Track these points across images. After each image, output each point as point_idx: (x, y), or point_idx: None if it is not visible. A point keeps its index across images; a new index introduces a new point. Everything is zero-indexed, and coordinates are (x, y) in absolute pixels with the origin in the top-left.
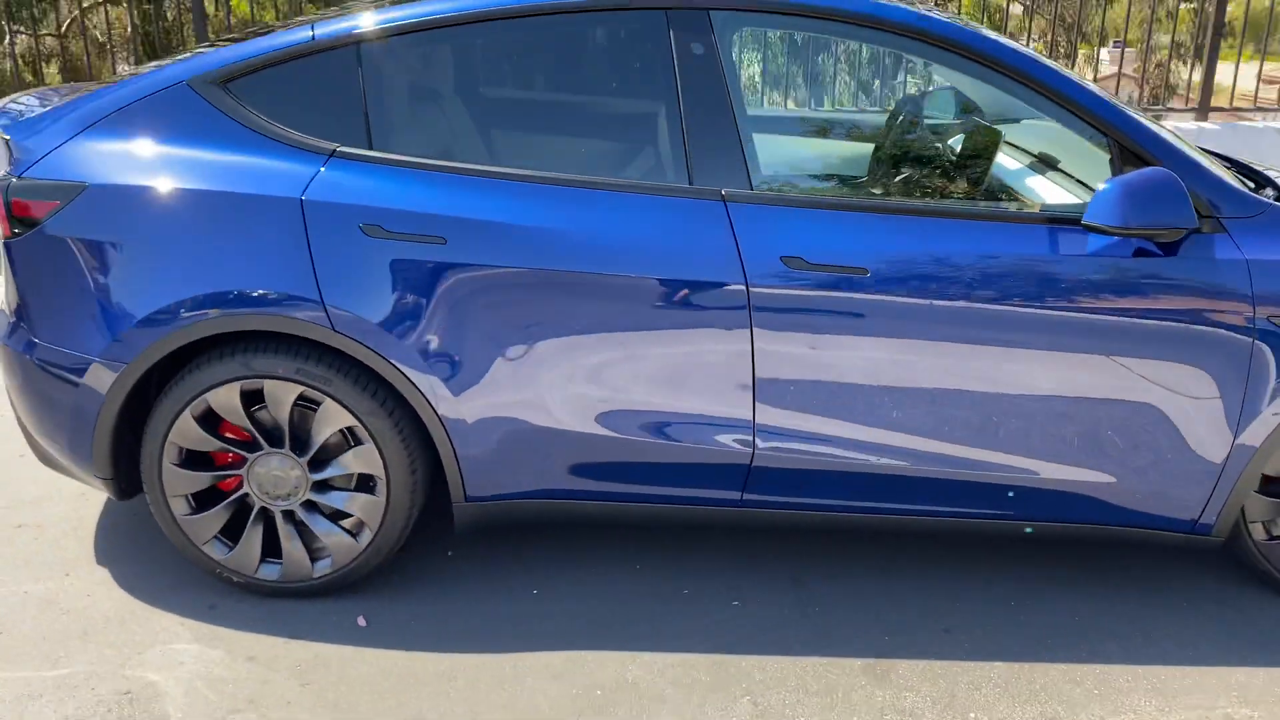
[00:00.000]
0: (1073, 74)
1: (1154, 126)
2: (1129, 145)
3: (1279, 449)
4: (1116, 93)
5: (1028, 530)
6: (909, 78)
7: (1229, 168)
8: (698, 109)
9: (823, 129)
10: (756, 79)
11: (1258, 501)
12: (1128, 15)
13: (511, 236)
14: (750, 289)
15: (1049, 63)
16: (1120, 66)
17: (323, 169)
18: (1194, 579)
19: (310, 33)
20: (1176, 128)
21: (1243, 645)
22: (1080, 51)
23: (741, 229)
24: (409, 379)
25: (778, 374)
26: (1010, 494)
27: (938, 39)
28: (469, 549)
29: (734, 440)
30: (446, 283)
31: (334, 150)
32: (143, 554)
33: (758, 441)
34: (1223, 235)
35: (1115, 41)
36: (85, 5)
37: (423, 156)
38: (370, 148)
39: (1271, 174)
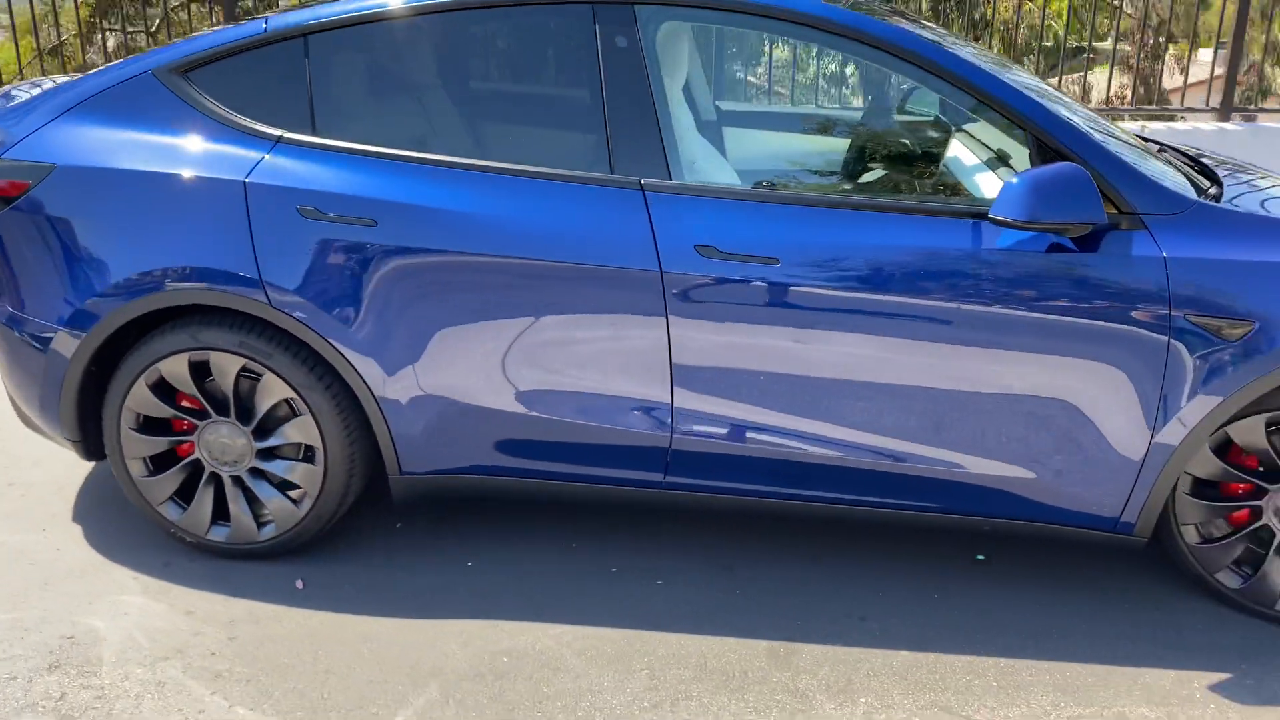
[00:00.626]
0: (994, 67)
1: (1076, 120)
2: (1045, 139)
3: (1201, 450)
4: (1208, 97)
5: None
6: (840, 71)
7: (1184, 163)
8: (620, 100)
9: (753, 122)
10: (697, 73)
11: (1189, 504)
12: (1221, 14)
13: (439, 221)
14: (665, 276)
15: (968, 56)
16: (1213, 68)
17: (268, 154)
18: (1128, 579)
19: (264, 25)
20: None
21: (1161, 647)
22: (1171, 52)
23: (658, 218)
24: (343, 355)
25: (694, 360)
26: (931, 486)
27: (851, 32)
28: (417, 521)
29: (653, 423)
30: (377, 264)
31: (280, 136)
32: (116, 514)
33: (676, 425)
34: (1142, 232)
35: (1221, 43)
36: (174, 4)
37: (361, 143)
38: (314, 134)
39: (1234, 174)
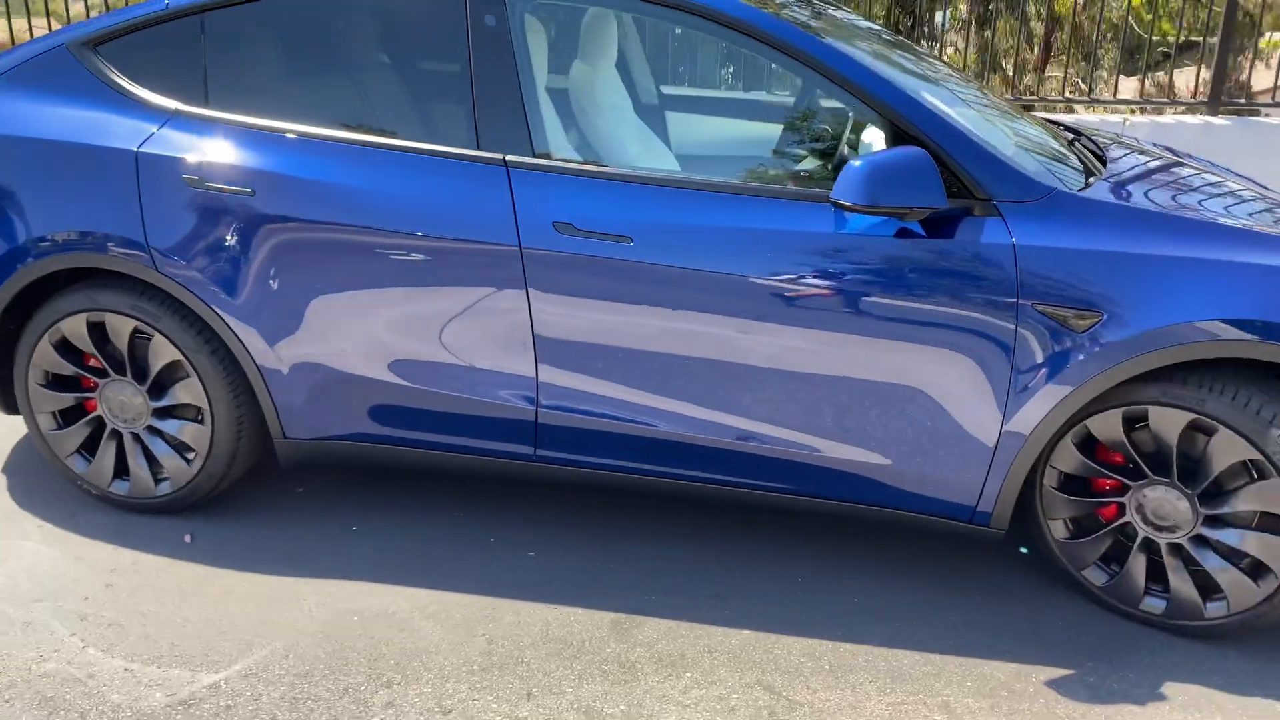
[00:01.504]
0: (853, 50)
1: (934, 104)
2: (898, 122)
3: (1064, 443)
4: (1195, 89)
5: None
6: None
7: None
8: (487, 78)
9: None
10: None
11: (1056, 498)
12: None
13: (313, 192)
14: (524, 252)
15: (828, 39)
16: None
17: (162, 126)
18: (1006, 575)
19: (165, 2)
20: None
21: (1013, 641)
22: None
23: (520, 194)
24: (224, 321)
25: (555, 336)
26: (786, 468)
27: (707, 13)
28: (319, 486)
29: (520, 397)
30: (254, 233)
31: (176, 110)
32: (39, 468)
33: (541, 399)
34: (995, 219)
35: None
36: None
37: (249, 116)
38: (206, 107)
39: (1142, 164)
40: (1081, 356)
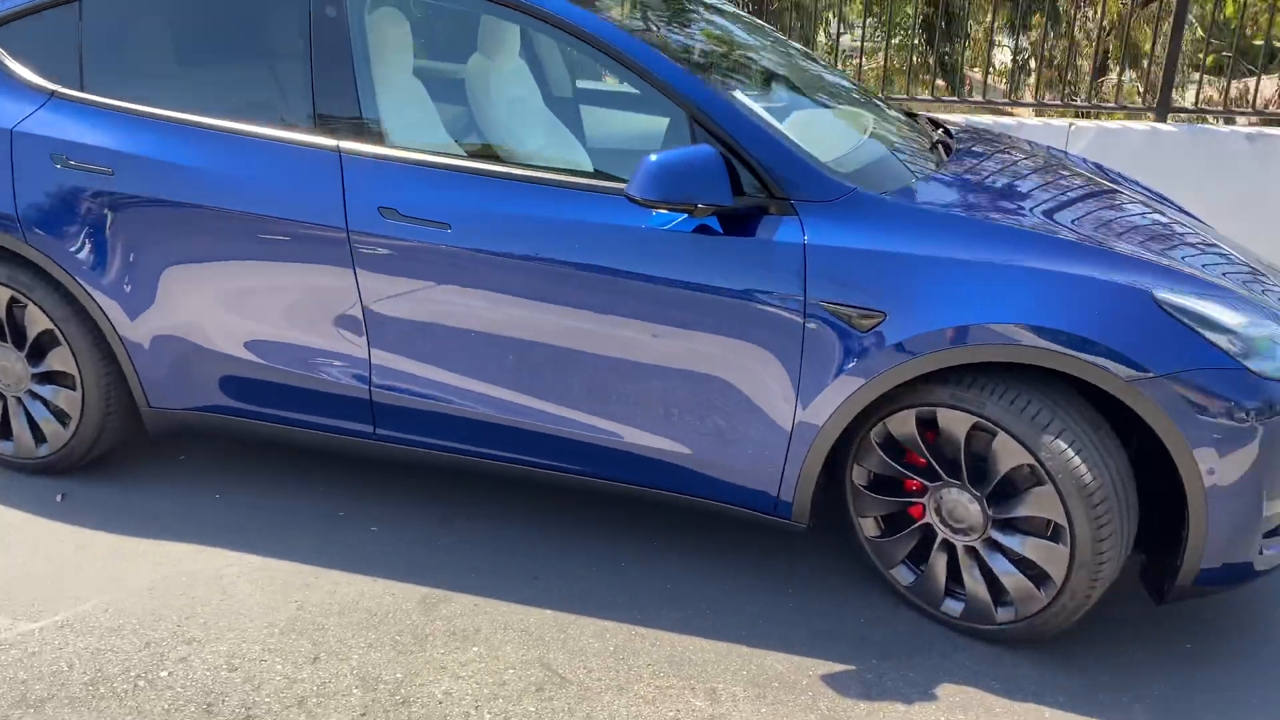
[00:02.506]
0: (656, 47)
1: (737, 103)
2: (701, 120)
3: (847, 434)
4: (1144, 94)
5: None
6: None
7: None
8: (326, 67)
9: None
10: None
11: (864, 497)
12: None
13: (165, 172)
14: (351, 236)
15: (633, 35)
16: None
17: (39, 107)
18: (816, 567)
19: None
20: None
21: (807, 634)
22: None
23: (349, 179)
24: (88, 293)
25: (382, 317)
26: (594, 452)
27: (532, 10)
28: (200, 456)
29: (354, 376)
30: (114, 210)
31: (54, 91)
32: None
33: (374, 379)
34: (791, 218)
35: None
36: None
37: (117, 100)
38: (81, 90)
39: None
40: (866, 355)
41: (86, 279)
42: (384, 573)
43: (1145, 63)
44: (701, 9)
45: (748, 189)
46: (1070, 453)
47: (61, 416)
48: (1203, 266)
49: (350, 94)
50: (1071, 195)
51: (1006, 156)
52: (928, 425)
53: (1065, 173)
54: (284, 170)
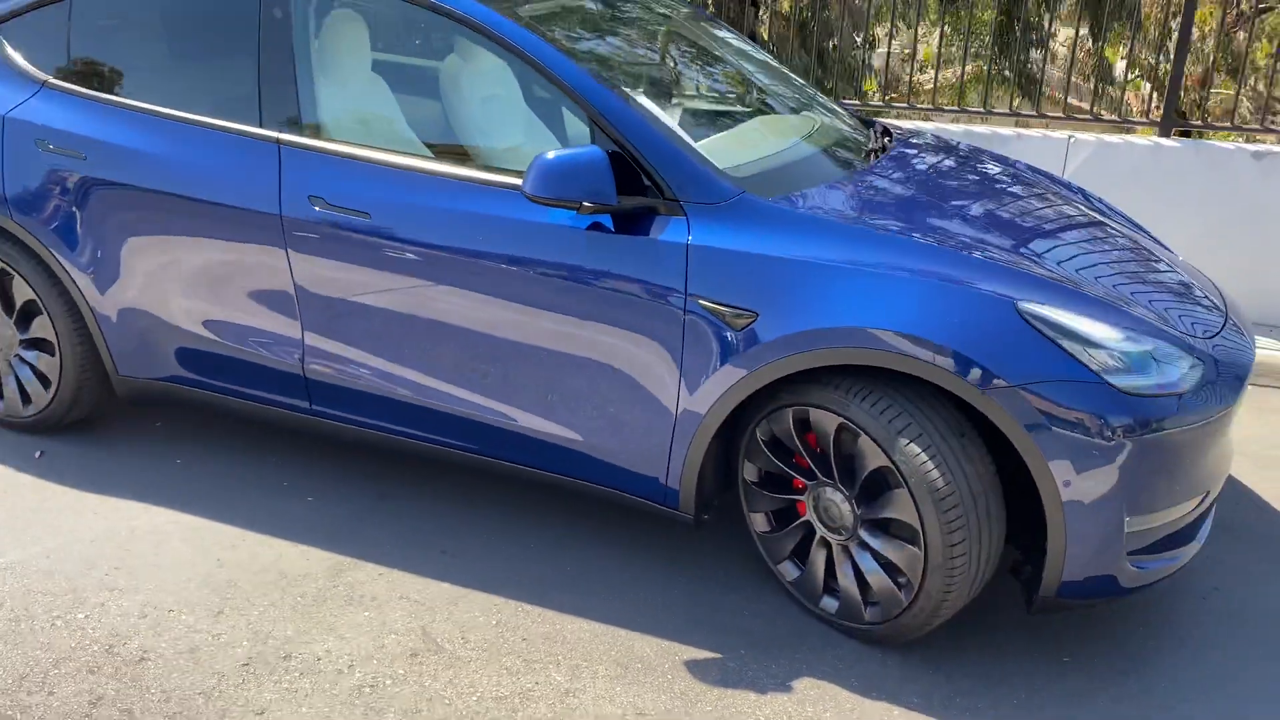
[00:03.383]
0: (566, 50)
1: (636, 108)
2: (599, 123)
3: (753, 439)
4: (1148, 108)
5: None
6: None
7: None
8: (270, 65)
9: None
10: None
11: (754, 492)
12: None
13: (129, 158)
14: (284, 220)
15: (543, 39)
16: None
17: (31, 96)
18: (719, 559)
19: None
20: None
21: (685, 621)
22: None
23: (285, 169)
24: (63, 266)
25: (311, 298)
26: (498, 435)
27: (440, 10)
28: (175, 424)
29: (290, 353)
30: (86, 192)
31: (45, 81)
32: None
33: (306, 357)
34: (680, 219)
35: None
36: None
37: (91, 90)
38: (67, 81)
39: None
40: (740, 351)
41: (62, 254)
42: (306, 540)
43: (1246, 74)
44: (655, 13)
45: (642, 190)
46: (924, 457)
47: (44, 380)
48: (1115, 283)
49: (291, 91)
50: (981, 207)
51: (934, 165)
52: (805, 425)
53: (997, 185)
54: (231, 159)
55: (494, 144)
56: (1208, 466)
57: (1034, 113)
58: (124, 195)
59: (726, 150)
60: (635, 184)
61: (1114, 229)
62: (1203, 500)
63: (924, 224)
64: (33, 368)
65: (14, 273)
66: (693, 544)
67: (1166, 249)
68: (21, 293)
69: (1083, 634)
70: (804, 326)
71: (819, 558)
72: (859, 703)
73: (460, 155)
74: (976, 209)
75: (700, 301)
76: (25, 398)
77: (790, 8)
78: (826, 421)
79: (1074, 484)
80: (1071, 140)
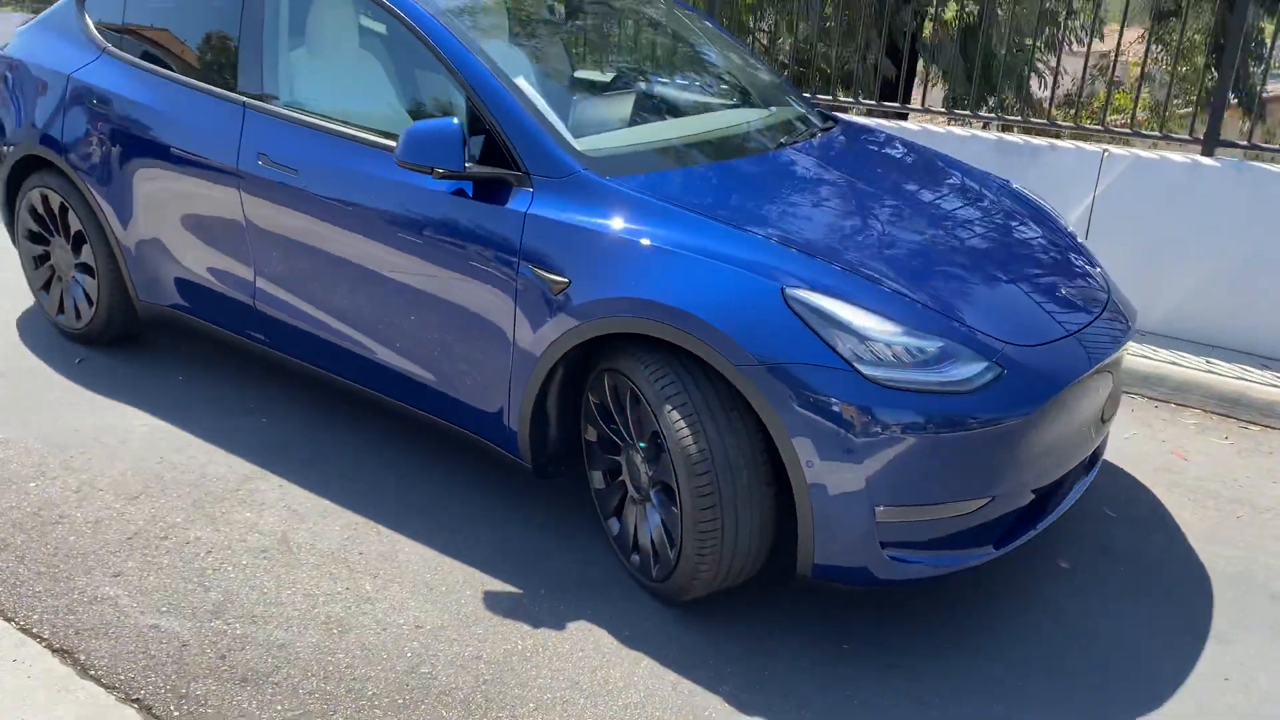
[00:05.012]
0: (456, 32)
1: (506, 87)
2: (471, 97)
3: (586, 400)
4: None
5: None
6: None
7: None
8: (247, 39)
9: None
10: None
11: (594, 453)
12: None
13: (143, 114)
14: (240, 174)
15: (433, 16)
16: None
17: (93, 61)
18: (565, 513)
19: None
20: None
21: (513, 563)
22: None
23: (246, 128)
24: (99, 203)
25: (259, 244)
26: (380, 371)
27: None
28: (198, 349)
29: (247, 290)
30: (114, 143)
31: (105, 48)
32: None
33: (257, 294)
34: (527, 190)
35: None
36: None
37: (133, 56)
38: (119, 49)
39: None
40: (557, 315)
41: (98, 192)
42: (240, 451)
43: None
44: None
45: (504, 162)
46: (683, 424)
47: (89, 299)
48: (939, 281)
49: (258, 61)
50: (833, 197)
51: (831, 156)
52: (617, 389)
53: (881, 180)
54: (211, 118)
55: (397, 112)
56: (994, 470)
57: (1071, 124)
58: (137, 146)
59: (614, 135)
60: (500, 157)
61: (993, 229)
62: (988, 504)
63: (742, 208)
64: (83, 288)
65: (69, 206)
66: (543, 497)
67: (1077, 255)
68: (73, 224)
69: (880, 627)
70: (598, 295)
71: (630, 515)
72: (617, 649)
73: (372, 122)
74: (824, 198)
75: (530, 266)
76: (77, 313)
77: (954, 16)
78: (623, 387)
79: (817, 466)
80: (1105, 155)
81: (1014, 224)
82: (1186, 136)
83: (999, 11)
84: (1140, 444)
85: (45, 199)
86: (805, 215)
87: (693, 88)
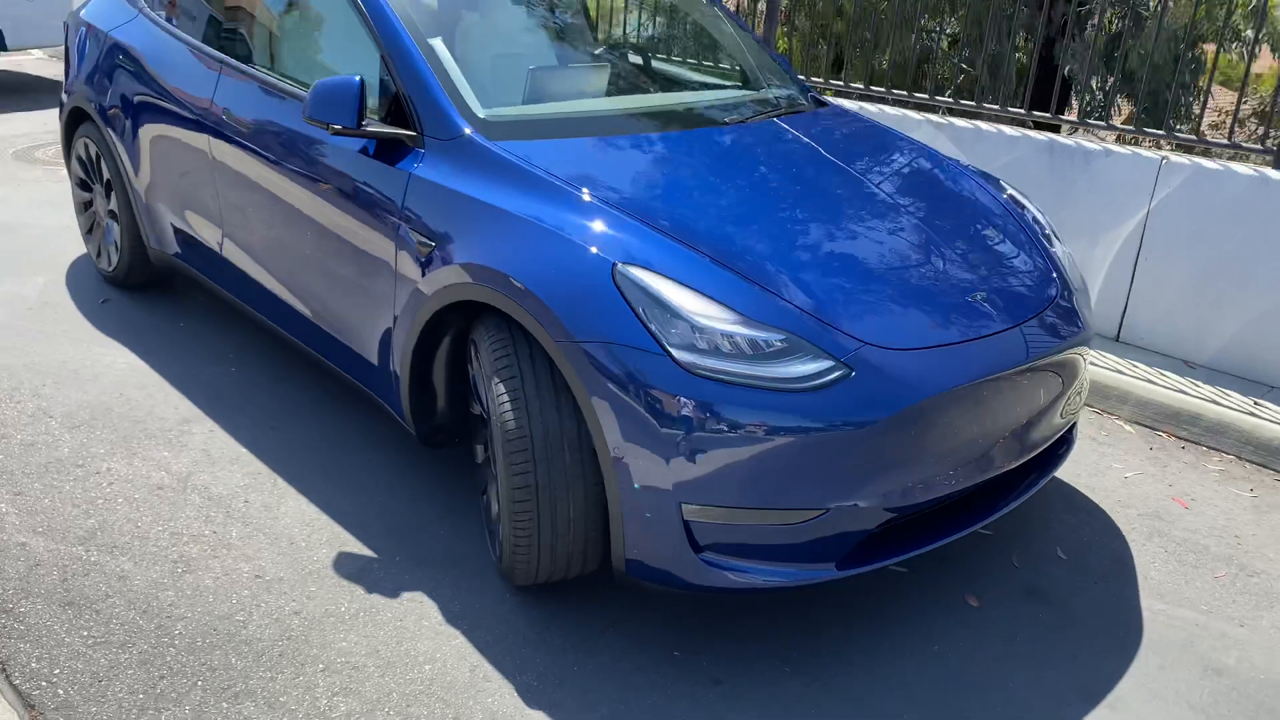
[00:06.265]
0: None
1: (418, 49)
2: (386, 57)
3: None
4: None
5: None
6: None
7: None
8: (235, 10)
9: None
10: None
11: (478, 427)
12: None
13: (152, 70)
14: (210, 128)
15: None
16: None
17: (129, 21)
18: (458, 485)
19: None
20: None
21: (379, 522)
22: None
23: (219, 86)
24: (121, 153)
25: (222, 196)
26: (296, 319)
27: None
28: (209, 300)
29: (216, 241)
30: (132, 99)
31: (141, 9)
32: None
33: (223, 247)
34: (420, 150)
35: None
36: None
37: (158, 14)
38: (151, 10)
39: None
40: (424, 279)
41: (119, 143)
42: (193, 395)
43: None
44: None
45: (407, 123)
46: (506, 399)
47: (117, 244)
48: (820, 274)
49: (235, 26)
50: (744, 181)
51: (779, 137)
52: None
53: (822, 165)
54: (198, 77)
55: (329, 71)
56: (829, 480)
57: (1131, 128)
58: (146, 100)
59: (538, 106)
60: (405, 117)
61: (921, 222)
62: (822, 517)
63: (616, 183)
64: (114, 235)
65: (101, 155)
66: (451, 472)
67: (1031, 251)
68: (106, 173)
69: (725, 638)
70: (453, 260)
71: (492, 492)
72: (437, 625)
73: (312, 78)
74: (723, 180)
75: (407, 227)
76: (110, 258)
77: (1111, 24)
78: (472, 354)
79: (624, 455)
80: (1164, 163)
81: (954, 217)
82: (1257, 147)
83: (1153, 21)
84: (1141, 485)
85: (87, 148)
86: (687, 194)
87: (659, 64)
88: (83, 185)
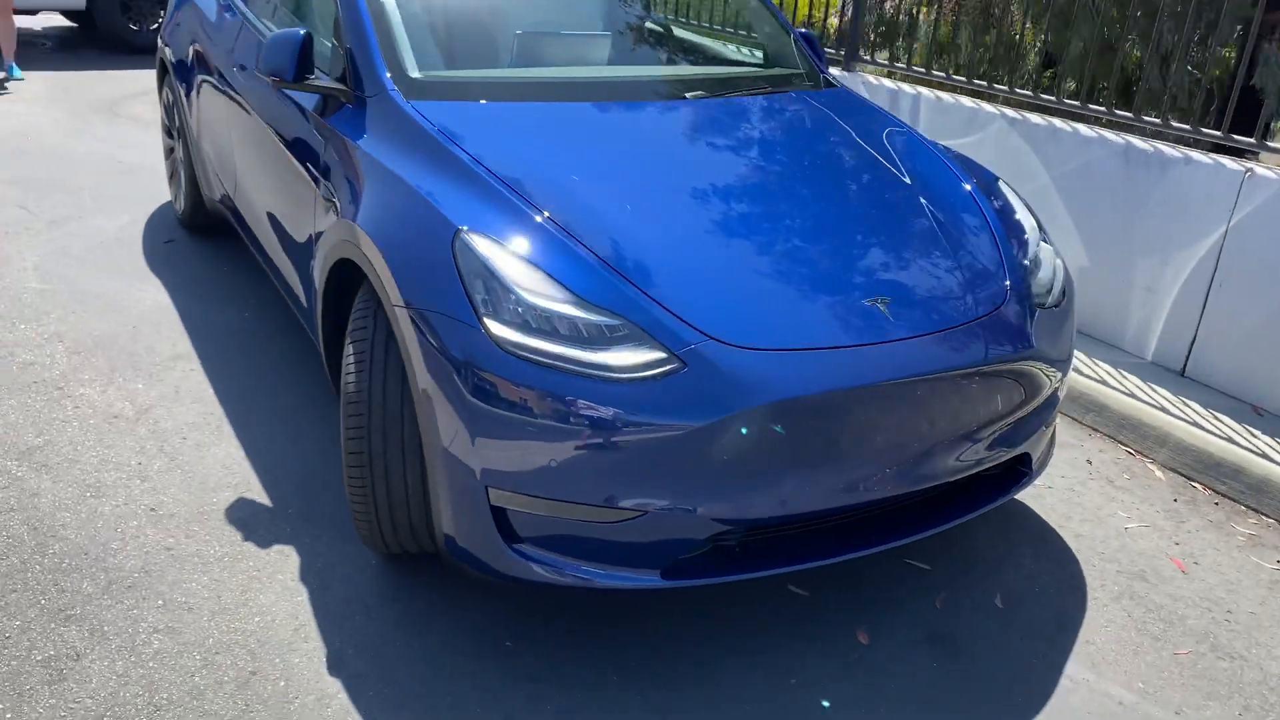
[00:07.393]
0: None
1: (370, 7)
2: (339, 14)
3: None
4: None
5: None
6: None
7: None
8: None
9: None
10: None
11: None
12: None
13: (205, 27)
14: (230, 82)
15: None
16: None
17: None
18: None
19: None
20: (1251, 168)
21: (291, 481)
22: None
23: (238, 43)
24: (186, 103)
25: (238, 146)
26: (274, 269)
27: None
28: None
29: (230, 182)
30: (192, 56)
31: None
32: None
33: (237, 190)
34: (352, 106)
35: None
36: None
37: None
38: None
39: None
40: (326, 231)
41: (185, 96)
42: (196, 335)
43: None
44: None
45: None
46: (353, 360)
47: (183, 190)
48: (720, 265)
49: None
50: (680, 158)
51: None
52: None
53: (792, 146)
54: (229, 28)
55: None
56: (646, 481)
57: (1219, 133)
58: (199, 54)
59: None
60: (355, 76)
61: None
62: (639, 520)
63: (504, 149)
64: (182, 181)
65: (176, 105)
66: None
67: (989, 253)
68: (178, 121)
69: (565, 645)
70: (341, 216)
71: None
72: (290, 581)
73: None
74: (639, 156)
75: (324, 182)
76: (181, 202)
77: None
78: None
79: (438, 429)
80: (1248, 175)
81: (895, 217)
82: None
83: None
84: (1140, 539)
85: (168, 98)
86: (577, 169)
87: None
88: (168, 133)
